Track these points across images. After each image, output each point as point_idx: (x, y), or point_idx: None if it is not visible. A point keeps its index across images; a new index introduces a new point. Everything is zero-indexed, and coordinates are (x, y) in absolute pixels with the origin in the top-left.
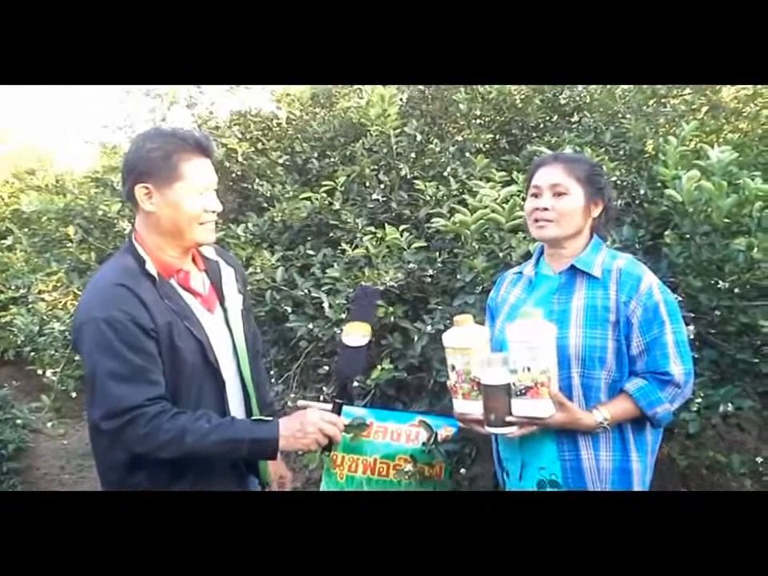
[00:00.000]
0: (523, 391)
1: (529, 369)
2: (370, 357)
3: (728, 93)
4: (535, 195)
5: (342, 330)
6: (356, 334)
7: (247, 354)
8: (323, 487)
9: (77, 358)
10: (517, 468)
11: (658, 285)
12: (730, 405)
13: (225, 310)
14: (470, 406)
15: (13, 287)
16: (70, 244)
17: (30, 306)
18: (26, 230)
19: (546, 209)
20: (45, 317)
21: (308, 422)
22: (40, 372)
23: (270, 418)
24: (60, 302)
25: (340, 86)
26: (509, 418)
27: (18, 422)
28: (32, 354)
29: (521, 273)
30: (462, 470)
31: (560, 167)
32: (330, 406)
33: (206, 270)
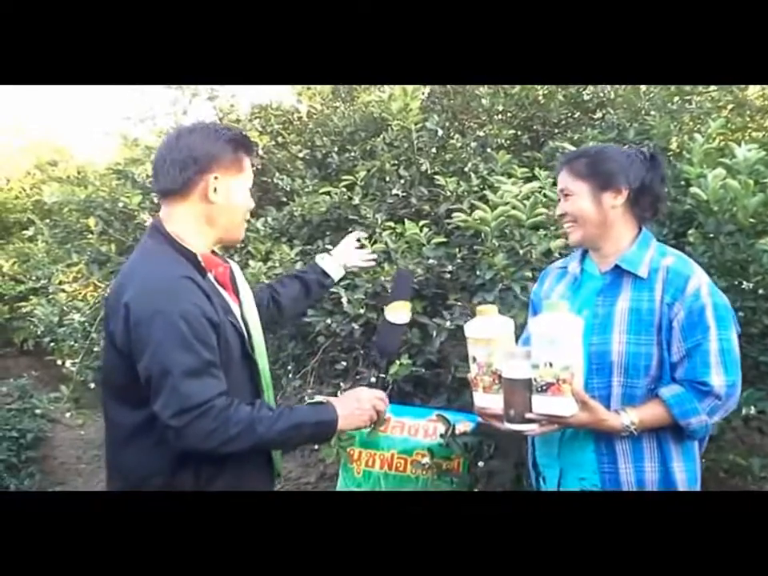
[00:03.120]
0: (544, 387)
1: (551, 364)
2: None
3: (754, 91)
4: (558, 202)
5: (360, 325)
6: (399, 312)
7: (264, 347)
8: (340, 482)
9: (95, 349)
10: (555, 475)
11: (709, 286)
12: (752, 408)
13: (240, 304)
14: (490, 400)
15: (34, 278)
16: (90, 235)
17: (50, 296)
18: (48, 221)
19: (562, 215)
20: (65, 308)
21: (364, 399)
22: (59, 362)
23: (324, 401)
24: (80, 293)
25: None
26: (528, 415)
27: (37, 411)
28: (51, 344)
29: (565, 268)
30: (480, 464)
31: (564, 169)
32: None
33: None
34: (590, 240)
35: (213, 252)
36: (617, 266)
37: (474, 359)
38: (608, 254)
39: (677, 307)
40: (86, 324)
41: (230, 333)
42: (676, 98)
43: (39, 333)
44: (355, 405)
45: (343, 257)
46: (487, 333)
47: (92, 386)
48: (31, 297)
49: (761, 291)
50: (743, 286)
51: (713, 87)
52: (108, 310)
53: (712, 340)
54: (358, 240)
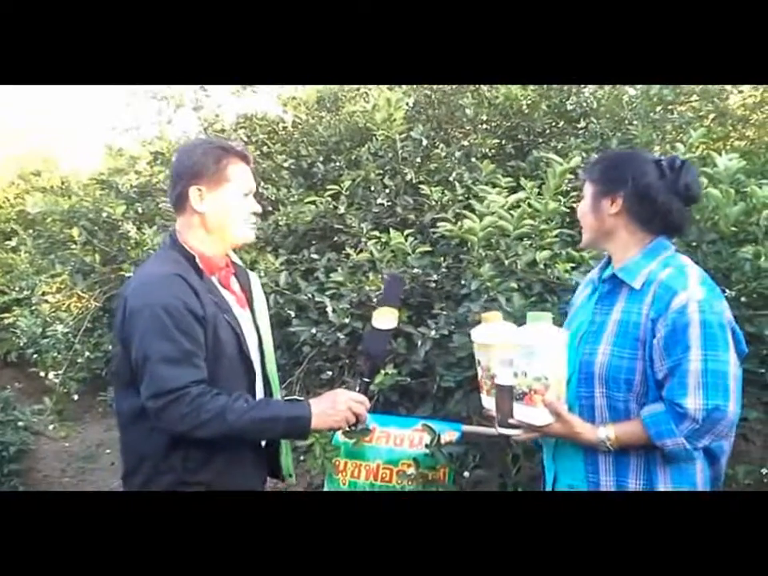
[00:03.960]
0: (520, 396)
1: (525, 374)
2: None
3: (735, 100)
4: None
5: (345, 334)
6: (385, 318)
7: (273, 354)
8: None
9: (79, 360)
10: (550, 478)
11: (700, 303)
12: None
13: (253, 311)
14: (491, 402)
15: (17, 289)
16: (74, 246)
17: (33, 307)
18: (31, 231)
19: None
20: (48, 319)
21: (339, 401)
22: (42, 374)
23: (302, 398)
24: (63, 304)
25: (345, 88)
26: (510, 421)
27: (20, 424)
28: (35, 355)
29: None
30: (466, 474)
31: (586, 171)
32: None
33: (235, 273)
34: (595, 244)
35: (229, 259)
36: (614, 275)
37: (479, 363)
38: (617, 261)
39: (660, 323)
40: (70, 335)
41: (222, 329)
42: (658, 108)
43: (22, 344)
44: (330, 405)
45: None
46: (487, 339)
47: (75, 397)
48: (14, 308)
49: (743, 299)
50: (726, 294)
51: (694, 97)
52: (116, 306)
53: (693, 360)
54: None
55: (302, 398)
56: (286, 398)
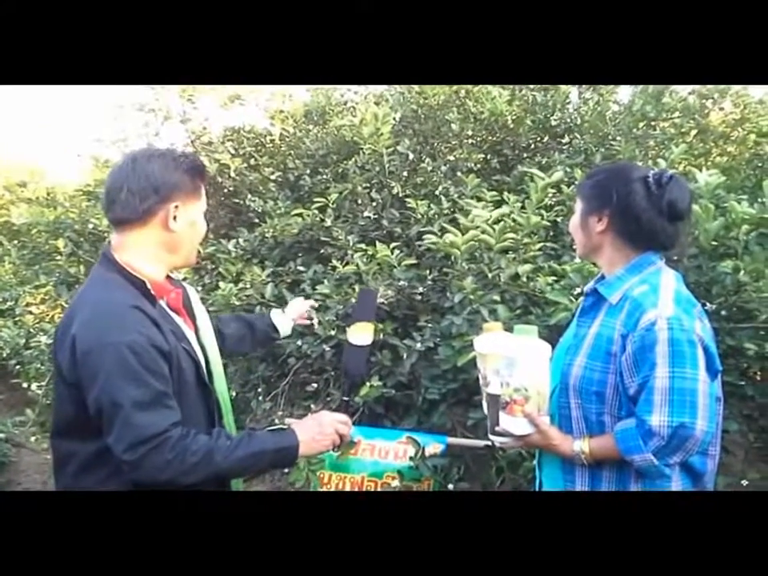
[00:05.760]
0: (504, 405)
1: (508, 384)
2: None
3: (716, 117)
4: None
5: (330, 346)
6: (361, 334)
7: (223, 371)
8: None
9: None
10: (536, 485)
11: (669, 320)
12: None
13: (197, 329)
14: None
15: (0, 299)
16: (59, 257)
17: (16, 318)
18: (16, 242)
19: None
20: (32, 330)
21: (326, 424)
22: (25, 385)
23: (285, 426)
24: (47, 315)
25: (333, 102)
26: (496, 428)
27: (1, 435)
28: (17, 366)
29: None
30: (450, 486)
31: (578, 186)
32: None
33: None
34: (586, 257)
35: (168, 277)
36: (595, 289)
37: (480, 370)
38: (606, 275)
39: (629, 340)
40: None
41: (183, 360)
42: (641, 124)
43: (5, 355)
44: (317, 430)
45: (292, 314)
46: (482, 348)
47: None
48: None
49: (723, 312)
50: (706, 308)
51: (676, 114)
52: (57, 340)
53: (659, 377)
54: (312, 307)
55: (285, 426)
56: (267, 428)
